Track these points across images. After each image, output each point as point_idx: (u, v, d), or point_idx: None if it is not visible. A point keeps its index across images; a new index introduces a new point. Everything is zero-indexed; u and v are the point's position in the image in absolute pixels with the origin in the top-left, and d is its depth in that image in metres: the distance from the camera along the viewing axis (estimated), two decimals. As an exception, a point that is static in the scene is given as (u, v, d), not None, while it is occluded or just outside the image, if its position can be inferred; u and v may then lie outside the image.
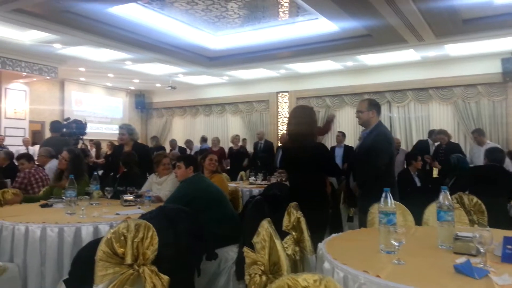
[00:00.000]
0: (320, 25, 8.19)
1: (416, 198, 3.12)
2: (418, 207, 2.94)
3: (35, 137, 11.74)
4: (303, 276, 1.16)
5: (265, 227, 1.93)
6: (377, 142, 3.23)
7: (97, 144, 10.24)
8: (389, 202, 1.95)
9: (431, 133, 8.11)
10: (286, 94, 13.04)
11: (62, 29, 7.91)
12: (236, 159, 9.15)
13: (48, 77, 10.86)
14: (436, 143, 7.54)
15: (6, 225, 2.78)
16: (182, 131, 15.09)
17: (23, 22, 7.45)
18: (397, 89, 11.07)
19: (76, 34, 8.20)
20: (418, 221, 2.87)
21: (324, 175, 3.34)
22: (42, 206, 3.48)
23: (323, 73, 11.78)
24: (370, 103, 3.48)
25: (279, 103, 13.22)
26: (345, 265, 1.68)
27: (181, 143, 11.55)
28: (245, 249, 2.04)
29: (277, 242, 1.86)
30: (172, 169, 4.12)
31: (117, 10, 7.38)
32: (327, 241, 2.11)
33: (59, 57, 10.16)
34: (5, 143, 9.65)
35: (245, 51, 10.01)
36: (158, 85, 14.06)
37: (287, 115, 12.75)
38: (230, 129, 14.05)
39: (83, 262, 2.14)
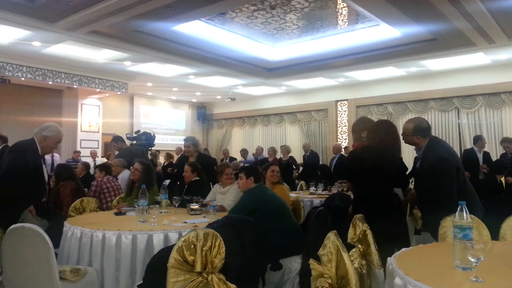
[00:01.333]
0: (381, 31, 8.00)
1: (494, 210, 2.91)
2: (494, 221, 2.74)
3: (107, 149, 12.57)
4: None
5: (332, 239, 1.91)
6: (436, 167, 2.99)
7: (169, 155, 10.75)
8: (464, 216, 1.85)
9: (504, 140, 7.50)
10: (345, 102, 12.82)
11: (132, 48, 8.48)
12: (285, 170, 9.02)
13: (119, 93, 11.67)
14: (482, 150, 7.03)
15: (86, 232, 2.99)
16: (241, 141, 15.37)
17: (97, 42, 8.10)
18: (465, 95, 10.44)
19: (144, 52, 8.75)
20: (494, 235, 2.67)
21: (391, 187, 3.24)
22: (117, 214, 3.73)
23: (384, 80, 11.45)
24: (414, 128, 3.19)
25: (338, 112, 13.02)
26: (419, 281, 1.61)
27: (239, 153, 11.71)
28: (311, 261, 2.03)
29: (345, 255, 1.84)
30: (235, 179, 4.22)
31: (182, 28, 7.76)
32: (397, 256, 2.04)
33: (129, 74, 10.89)
34: (81, 154, 10.50)
35: (303, 61, 10.03)
36: (218, 97, 14.50)
37: (347, 124, 12.56)
38: (288, 139, 14.08)
39: (156, 268, 2.25)
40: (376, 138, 3.26)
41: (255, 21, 7.96)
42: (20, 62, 9.32)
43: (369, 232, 2.47)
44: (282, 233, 3.09)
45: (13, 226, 2.64)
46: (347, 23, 8.12)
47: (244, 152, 10.95)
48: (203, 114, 16.25)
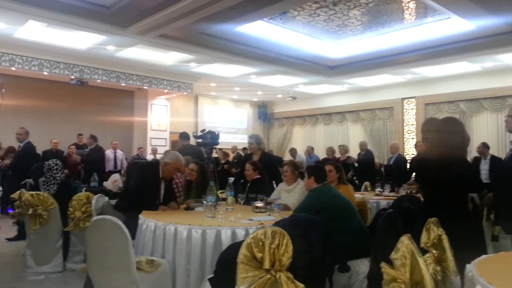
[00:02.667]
0: (453, 25, 7.54)
1: None
2: None
3: (174, 146, 13.14)
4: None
5: (406, 243, 1.85)
6: None
7: (224, 153, 11.01)
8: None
9: None
10: (413, 100, 12.24)
11: (197, 50, 8.80)
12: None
13: (185, 93, 12.17)
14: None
15: (159, 225, 3.16)
16: (302, 140, 15.28)
17: (166, 45, 8.51)
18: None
19: (209, 53, 9.04)
20: None
21: (468, 192, 3.05)
22: (186, 209, 3.90)
23: (456, 76, 10.77)
24: None
25: (404, 110, 12.48)
26: (503, 291, 1.51)
27: (301, 151, 11.66)
28: (383, 265, 1.98)
29: (420, 260, 1.77)
30: (301, 178, 4.22)
31: (244, 29, 7.89)
32: (476, 262, 1.92)
33: (194, 75, 11.31)
34: (148, 152, 11.10)
35: (367, 57, 9.75)
36: (279, 96, 14.54)
37: (414, 123, 12.00)
38: (351, 138, 13.77)
39: (226, 263, 2.32)
40: (439, 139, 3.06)
41: (317, 19, 7.87)
42: (96, 66, 10.05)
43: (444, 237, 2.34)
44: (349, 234, 3.03)
45: (95, 218, 2.86)
46: (414, 17, 7.75)
47: (293, 151, 10.85)
48: (264, 113, 16.39)
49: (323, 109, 14.60)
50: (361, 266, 2.88)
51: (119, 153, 10.06)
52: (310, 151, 10.54)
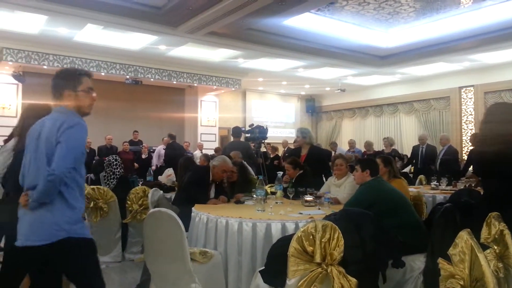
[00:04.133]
0: (516, 6, 7.00)
1: None
2: None
3: (223, 142, 13.40)
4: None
5: (465, 238, 1.77)
6: None
7: (273, 148, 11.05)
8: None
9: None
10: (471, 88, 11.55)
11: (245, 45, 8.88)
12: None
13: (233, 89, 12.34)
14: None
15: (211, 218, 3.26)
16: (352, 133, 14.96)
17: (214, 42, 8.67)
18: None
19: (256, 48, 9.09)
20: None
21: None
22: (236, 202, 3.98)
23: (520, 62, 10.01)
24: None
25: (462, 99, 11.81)
26: None
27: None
28: (441, 260, 1.91)
29: (481, 256, 1.69)
30: (350, 171, 4.15)
31: (292, 22, 7.84)
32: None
33: (242, 70, 11.42)
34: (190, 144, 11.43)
35: (421, 45, 9.33)
36: (327, 88, 14.31)
37: (473, 112, 11.33)
38: (403, 130, 13.28)
39: (277, 256, 2.35)
40: (489, 124, 2.85)
41: (367, 8, 7.64)
42: (149, 65, 10.46)
43: (507, 232, 2.22)
44: (403, 229, 2.94)
45: (152, 210, 3.01)
46: (472, 0, 7.29)
47: (333, 145, 10.62)
48: (312, 106, 16.21)
49: (374, 101, 14.17)
50: (416, 262, 2.79)
51: (159, 148, 10.31)
52: (352, 144, 10.28)
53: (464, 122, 11.72)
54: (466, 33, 8.38)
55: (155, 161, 10.18)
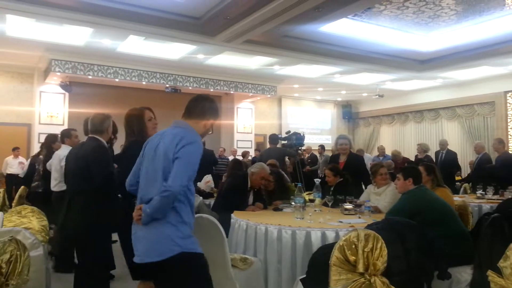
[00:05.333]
0: None
1: None
2: None
3: (259, 148, 13.47)
4: None
5: (517, 251, 1.70)
6: None
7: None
8: None
9: None
10: (518, 93, 11.01)
11: (281, 52, 8.92)
12: None
13: (269, 96, 12.40)
14: None
15: (251, 225, 3.29)
16: (391, 139, 14.61)
17: (251, 50, 8.77)
18: None
19: (292, 55, 9.11)
20: None
21: None
22: (275, 209, 3.99)
23: None
24: None
25: (508, 104, 11.27)
26: None
27: (389, 151, 11.10)
28: (490, 273, 1.84)
29: (536, 270, 1.61)
30: (391, 180, 4.06)
31: (328, 28, 7.80)
32: None
33: (278, 77, 11.47)
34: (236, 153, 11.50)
35: (463, 49, 9.04)
36: (364, 94, 14.09)
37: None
38: (446, 136, 12.77)
39: (319, 264, 2.34)
40: None
41: (406, 11, 7.48)
42: (187, 74, 10.71)
43: None
44: (449, 240, 2.85)
45: (193, 216, 3.07)
46: (519, 1, 6.98)
47: (360, 151, 10.30)
48: (349, 112, 15.99)
49: (414, 106, 13.78)
50: (463, 274, 2.69)
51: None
52: (382, 151, 10.01)
53: (511, 128, 11.17)
54: (510, 35, 8.02)
55: None
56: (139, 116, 3.08)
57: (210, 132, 2.31)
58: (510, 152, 8.13)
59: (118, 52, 8.97)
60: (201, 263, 2.06)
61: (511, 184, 5.32)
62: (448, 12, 7.50)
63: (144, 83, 10.25)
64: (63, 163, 3.69)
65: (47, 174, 4.81)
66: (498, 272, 1.87)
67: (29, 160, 7.12)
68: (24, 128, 10.49)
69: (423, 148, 8.47)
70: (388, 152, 10.73)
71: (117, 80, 9.91)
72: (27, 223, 3.14)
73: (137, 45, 8.62)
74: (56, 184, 4.49)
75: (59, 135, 4.82)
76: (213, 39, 8.06)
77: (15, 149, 9.22)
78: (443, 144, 8.22)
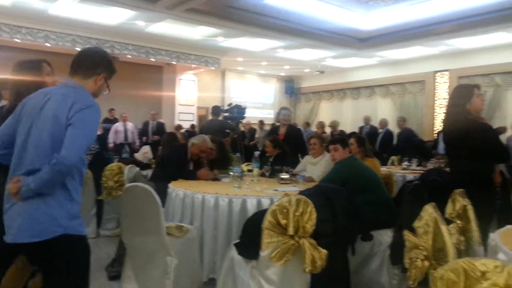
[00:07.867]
0: (492, -8, 7.14)
1: None
2: None
3: (201, 121, 13.33)
4: (481, 260, 1.11)
5: (429, 211, 1.86)
6: None
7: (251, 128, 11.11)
8: None
9: None
10: (446, 73, 11.81)
11: (225, 23, 8.77)
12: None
13: (212, 68, 12.22)
14: None
15: (188, 194, 3.29)
16: (329, 115, 15.12)
17: (194, 19, 8.53)
18: None
19: (236, 27, 8.99)
20: None
21: (491, 161, 2.97)
22: (213, 179, 4.01)
23: (492, 48, 10.27)
24: None
25: (436, 84, 12.08)
26: (526, 258, 1.51)
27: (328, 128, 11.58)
28: (406, 232, 2.01)
29: (443, 227, 1.78)
30: (326, 150, 4.23)
31: (272, 1, 7.77)
32: (501, 232, 1.92)
33: (222, 49, 11.29)
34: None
35: (399, 28, 9.44)
36: (306, 70, 14.36)
37: (446, 97, 11.61)
38: (379, 113, 13.50)
39: (252, 229, 2.41)
40: (452, 109, 3.08)
41: (348, -11, 7.65)
42: (126, 41, 10.20)
43: (470, 207, 2.34)
44: (374, 206, 3.05)
45: (128, 185, 3.00)
46: (451, -16, 7.39)
47: (334, 123, 10.97)
48: (291, 87, 16.26)
49: (352, 83, 14.32)
50: (384, 237, 2.92)
51: (129, 125, 9.69)
52: (305, 126, 11.05)
53: (437, 106, 12.02)
54: (444, 17, 8.49)
55: (112, 138, 9.40)
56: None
57: (106, 92, 1.97)
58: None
59: (50, 14, 8.31)
60: (84, 248, 1.82)
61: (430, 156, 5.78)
62: (386, -8, 7.77)
63: (78, 49, 9.61)
64: None
65: None
66: (414, 232, 2.04)
67: None
68: None
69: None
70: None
71: (48, 45, 9.21)
72: None
73: (71, 7, 8.02)
74: None
75: None
76: (154, 5, 7.71)
77: None
78: (366, 119, 10.06)
